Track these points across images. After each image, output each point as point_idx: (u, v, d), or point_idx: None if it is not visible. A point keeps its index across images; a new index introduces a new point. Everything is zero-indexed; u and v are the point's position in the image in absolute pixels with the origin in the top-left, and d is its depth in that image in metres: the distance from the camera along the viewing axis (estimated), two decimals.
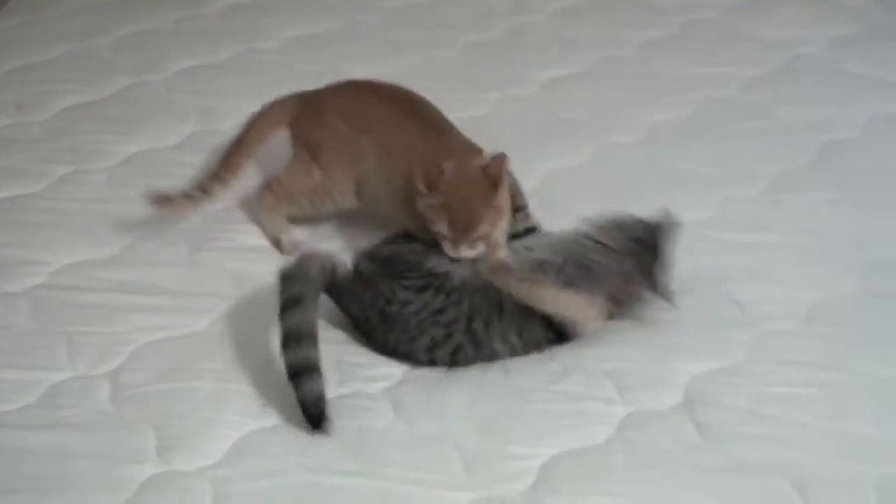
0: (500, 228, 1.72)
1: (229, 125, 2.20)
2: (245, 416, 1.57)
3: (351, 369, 1.65)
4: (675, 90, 2.31)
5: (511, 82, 2.34)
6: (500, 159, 1.68)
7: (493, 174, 1.67)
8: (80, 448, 1.52)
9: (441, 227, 1.67)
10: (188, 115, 2.25)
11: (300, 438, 1.53)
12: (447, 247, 1.69)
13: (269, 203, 1.92)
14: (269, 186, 1.93)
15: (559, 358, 1.64)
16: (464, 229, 1.66)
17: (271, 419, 1.57)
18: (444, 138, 1.81)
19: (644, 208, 1.95)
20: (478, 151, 1.78)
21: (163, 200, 1.85)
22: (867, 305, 1.75)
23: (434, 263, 1.67)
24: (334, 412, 1.57)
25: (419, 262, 1.67)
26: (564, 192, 1.97)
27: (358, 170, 1.84)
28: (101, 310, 1.76)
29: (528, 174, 1.93)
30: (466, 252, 1.68)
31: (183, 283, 1.82)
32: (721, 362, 1.64)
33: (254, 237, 1.92)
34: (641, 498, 1.44)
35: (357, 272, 1.68)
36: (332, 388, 1.62)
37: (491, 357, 1.64)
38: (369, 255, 1.70)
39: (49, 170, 2.10)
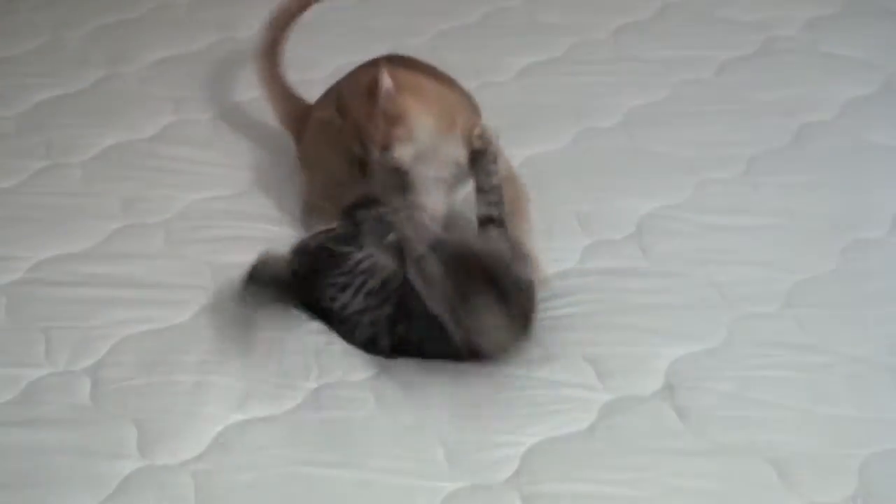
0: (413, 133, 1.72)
1: (205, 116, 2.20)
2: (226, 408, 1.56)
3: (332, 359, 1.64)
4: (651, 74, 2.30)
5: (487, 69, 2.33)
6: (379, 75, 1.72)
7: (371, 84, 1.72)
8: (60, 444, 1.51)
9: (359, 148, 1.72)
10: (163, 107, 2.24)
11: (282, 430, 1.53)
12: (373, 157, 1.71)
13: (309, 224, 1.89)
14: (309, 210, 1.90)
15: (539, 345, 1.64)
16: (367, 136, 1.70)
17: (253, 411, 1.56)
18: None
19: (622, 192, 1.97)
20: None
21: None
22: (845, 286, 1.76)
23: (362, 255, 1.64)
24: (316, 403, 1.57)
25: (347, 254, 1.65)
26: (543, 178, 1.97)
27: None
28: (78, 304, 1.75)
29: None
30: (387, 159, 1.70)
31: (161, 276, 1.81)
32: (701, 346, 1.65)
33: (232, 229, 1.91)
34: (624, 484, 1.44)
35: (294, 270, 1.67)
36: (314, 378, 1.62)
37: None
38: (301, 250, 1.69)
39: (24, 164, 2.08)
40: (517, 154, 2.03)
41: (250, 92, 2.24)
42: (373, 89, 1.72)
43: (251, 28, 2.50)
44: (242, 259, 1.83)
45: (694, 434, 1.51)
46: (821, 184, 1.98)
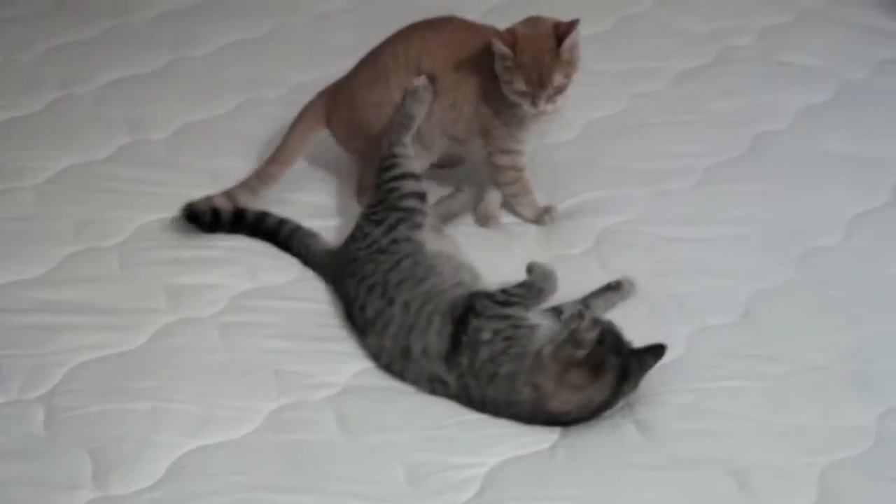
0: (573, 82, 1.82)
1: (161, 136, 2.18)
2: (182, 435, 1.54)
3: (292, 378, 1.63)
4: (607, 86, 2.30)
5: None
6: (572, 23, 1.79)
7: (562, 28, 1.78)
8: (14, 476, 1.49)
9: (519, 85, 1.77)
10: (118, 128, 2.21)
11: (239, 456, 1.51)
12: (527, 106, 1.78)
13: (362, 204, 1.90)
14: (362, 191, 1.93)
15: None
16: (539, 81, 1.76)
17: (209, 437, 1.54)
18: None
19: (580, 206, 1.97)
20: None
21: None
22: (802, 295, 1.77)
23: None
24: (275, 426, 1.55)
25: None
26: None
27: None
28: (31, 331, 1.72)
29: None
30: (546, 107, 1.78)
31: (115, 300, 1.78)
32: (661, 358, 1.64)
33: (186, 250, 1.89)
34: (585, 500, 1.44)
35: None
36: (273, 398, 1.60)
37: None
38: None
39: None
40: None
41: (206, 111, 2.23)
42: (560, 34, 1.77)
43: (207, 47, 2.49)
44: (197, 280, 1.82)
45: (654, 448, 1.51)
46: (776, 192, 1.99)
